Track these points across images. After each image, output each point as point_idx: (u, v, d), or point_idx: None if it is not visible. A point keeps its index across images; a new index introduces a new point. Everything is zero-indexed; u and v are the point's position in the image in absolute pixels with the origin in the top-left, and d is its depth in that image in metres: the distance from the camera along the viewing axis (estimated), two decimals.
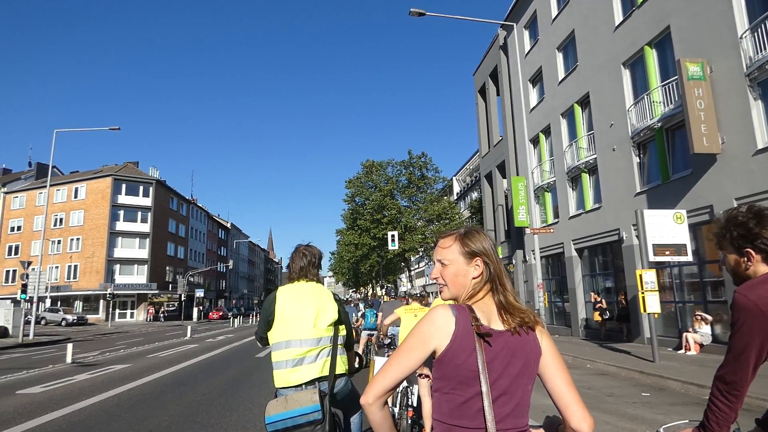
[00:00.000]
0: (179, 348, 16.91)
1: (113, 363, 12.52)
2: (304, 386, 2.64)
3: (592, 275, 18.52)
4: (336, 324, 2.80)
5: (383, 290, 47.80)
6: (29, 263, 23.27)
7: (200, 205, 68.97)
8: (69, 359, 12.71)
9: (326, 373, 2.70)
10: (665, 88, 13.86)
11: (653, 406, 6.87)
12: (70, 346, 13.64)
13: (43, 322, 36.75)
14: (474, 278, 1.41)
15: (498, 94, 26.62)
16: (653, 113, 14.23)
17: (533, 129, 21.45)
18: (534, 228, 17.54)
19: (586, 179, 18.17)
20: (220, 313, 54.41)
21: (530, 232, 17.73)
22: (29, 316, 23.16)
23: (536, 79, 22.20)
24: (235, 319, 41.30)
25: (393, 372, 1.33)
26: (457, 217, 38.26)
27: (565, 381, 1.40)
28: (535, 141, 21.99)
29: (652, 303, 10.59)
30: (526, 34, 23.03)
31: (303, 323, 2.71)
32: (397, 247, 30.23)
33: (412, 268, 45.49)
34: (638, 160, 15.28)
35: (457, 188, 59.31)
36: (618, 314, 16.02)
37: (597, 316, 16.58)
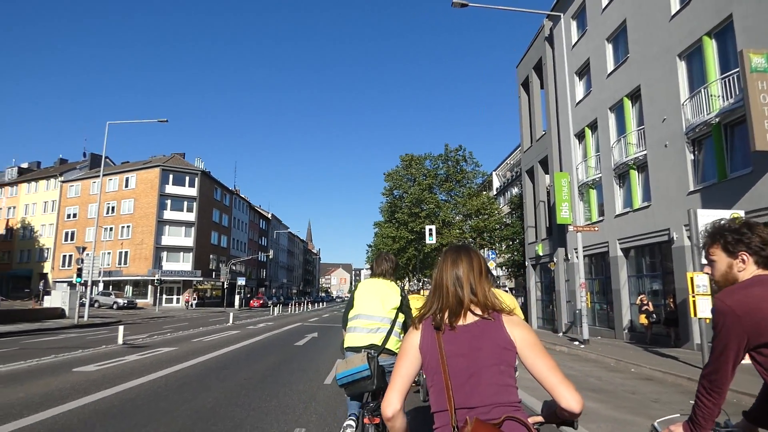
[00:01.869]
0: (222, 334, 17.51)
1: (161, 346, 13.11)
2: (362, 350, 3.43)
3: (638, 276, 17.81)
4: (397, 310, 3.66)
5: (413, 284, 47.76)
6: (84, 249, 24.62)
7: (242, 196, 70.89)
8: (120, 341, 13.41)
9: (379, 343, 3.50)
10: (725, 81, 13.08)
11: None
12: (121, 328, 14.39)
13: (96, 305, 38.85)
14: None
15: (542, 87, 25.90)
16: (711, 108, 13.46)
17: (579, 123, 20.75)
18: (577, 226, 17.02)
19: (635, 176, 17.43)
20: (261, 302, 55.91)
21: (573, 230, 17.21)
22: (84, 299, 24.58)
23: (583, 71, 21.43)
24: (275, 308, 42.36)
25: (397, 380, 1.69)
26: (496, 212, 37.60)
27: (547, 365, 1.55)
28: (580, 136, 21.28)
29: (703, 307, 10.08)
30: (574, 24, 22.24)
31: (372, 304, 3.65)
32: (434, 241, 30.06)
33: None
34: (692, 157, 14.52)
35: (496, 183, 58.29)
36: (665, 318, 15.38)
37: (643, 319, 15.95)
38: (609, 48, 19.27)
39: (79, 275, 24.05)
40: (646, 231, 16.40)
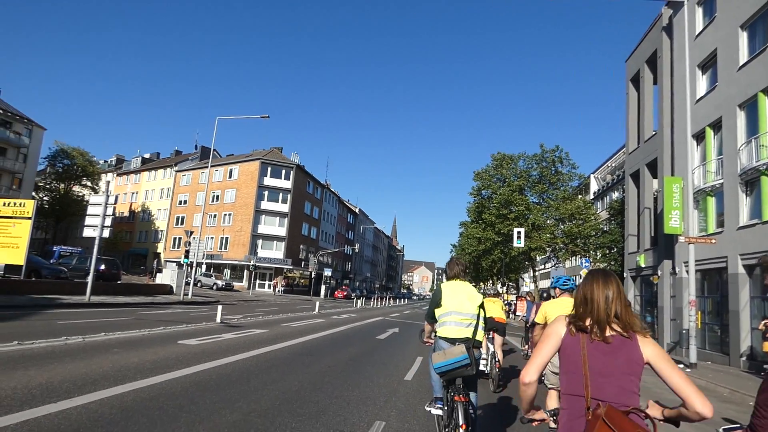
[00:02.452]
0: (308, 321, 18.22)
1: (253, 327, 13.93)
2: (457, 342, 4.01)
3: (763, 299, 15.62)
4: (480, 306, 4.28)
5: (500, 288, 46.11)
6: (191, 233, 27.01)
7: (333, 190, 73.53)
8: (218, 319, 14.46)
9: (471, 336, 4.12)
10: None
11: None
12: (219, 308, 15.51)
13: (198, 284, 42.43)
14: None
15: (655, 83, 23.66)
16: None
17: (698, 123, 18.59)
18: (690, 237, 15.28)
19: (767, 184, 15.27)
20: (345, 293, 57.65)
21: (685, 241, 15.48)
22: (189, 279, 26.96)
23: (708, 63, 19.18)
24: (358, 301, 43.39)
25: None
26: (592, 218, 35.22)
27: (681, 376, 1.87)
28: (699, 137, 19.10)
29: None
30: (699, 11, 19.95)
31: (462, 302, 4.22)
32: (522, 245, 28.80)
33: (537, 268, 43.09)
34: None
35: (595, 187, 54.59)
36: None
37: (767, 347, 13.95)
38: (743, 36, 17.02)
39: (186, 256, 26.44)
40: None
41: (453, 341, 4.04)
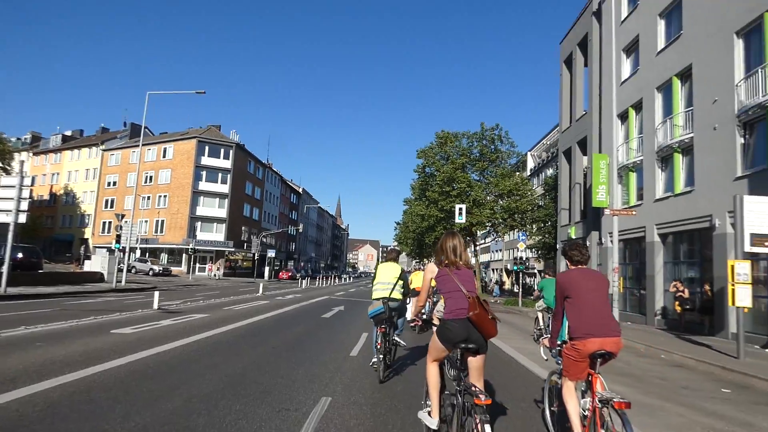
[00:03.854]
0: (252, 303, 17.98)
1: (194, 312, 13.57)
2: (381, 300, 6.49)
3: (674, 263, 17.21)
4: (399, 278, 6.69)
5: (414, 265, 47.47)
6: (123, 216, 25.48)
7: (275, 170, 71.80)
8: (155, 306, 13.94)
9: (389, 295, 6.56)
10: None
11: (734, 404, 6.34)
12: (156, 293, 14.94)
13: (133, 270, 40.41)
14: None
15: (586, 65, 24.86)
16: (766, 89, 12.62)
17: (623, 103, 19.83)
18: (614, 209, 16.45)
19: (679, 160, 16.66)
20: (289, 274, 57.05)
21: (609, 214, 16.66)
22: (122, 265, 25.60)
23: (631, 48, 20.38)
24: (303, 281, 43.19)
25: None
26: (529, 193, 36.80)
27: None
28: (623, 116, 20.39)
29: (742, 296, 9.73)
30: None
31: (386, 275, 6.72)
32: (464, 221, 29.66)
33: (477, 243, 44.68)
34: (743, 141, 13.74)
35: (531, 164, 56.97)
36: (700, 306, 14.92)
37: (677, 306, 15.49)
38: (661, 24, 18.22)
39: (118, 241, 24.96)
40: (686, 217, 15.75)
41: (378, 299, 6.52)
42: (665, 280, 17.32)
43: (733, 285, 9.83)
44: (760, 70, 12.92)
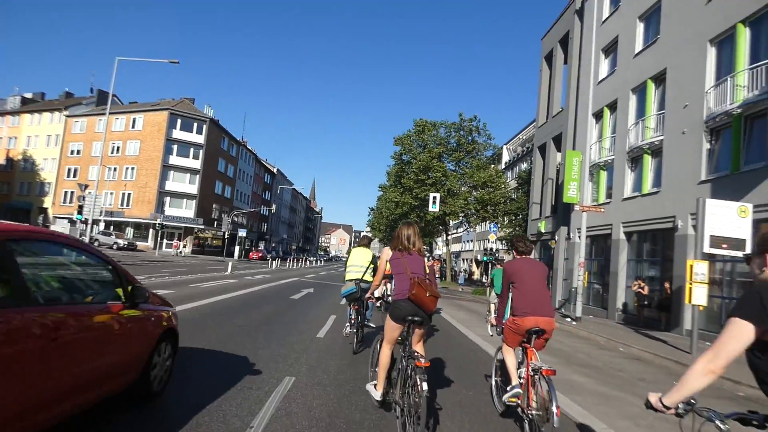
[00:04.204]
0: (220, 282, 17.71)
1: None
2: (354, 281, 7.14)
3: (637, 261, 17.81)
4: (371, 262, 7.33)
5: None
6: (86, 186, 24.52)
7: (249, 148, 70.35)
8: None
9: (361, 276, 7.19)
10: (753, 72, 12.64)
11: None
12: None
13: (96, 243, 39.08)
14: None
15: (565, 63, 25.16)
16: (734, 98, 13.06)
17: (598, 102, 20.22)
18: (584, 206, 16.88)
19: (648, 161, 17.14)
20: (260, 255, 56.38)
21: (579, 210, 17.07)
22: (83, 237, 24.74)
23: (610, 49, 20.72)
24: (274, 262, 42.79)
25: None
26: (502, 186, 37.36)
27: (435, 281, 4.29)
28: (598, 115, 20.80)
29: (698, 295, 10.18)
30: None
31: (359, 259, 7.39)
32: (437, 210, 29.95)
33: (450, 233, 45.18)
34: (708, 147, 14.22)
35: (506, 157, 57.68)
36: (659, 303, 15.52)
37: (636, 302, 16.11)
38: (640, 27, 18.55)
39: (80, 212, 24.05)
40: (651, 216, 16.27)
41: (351, 280, 7.19)
42: (628, 276, 17.92)
43: (690, 284, 10.24)
44: (729, 79, 13.35)
